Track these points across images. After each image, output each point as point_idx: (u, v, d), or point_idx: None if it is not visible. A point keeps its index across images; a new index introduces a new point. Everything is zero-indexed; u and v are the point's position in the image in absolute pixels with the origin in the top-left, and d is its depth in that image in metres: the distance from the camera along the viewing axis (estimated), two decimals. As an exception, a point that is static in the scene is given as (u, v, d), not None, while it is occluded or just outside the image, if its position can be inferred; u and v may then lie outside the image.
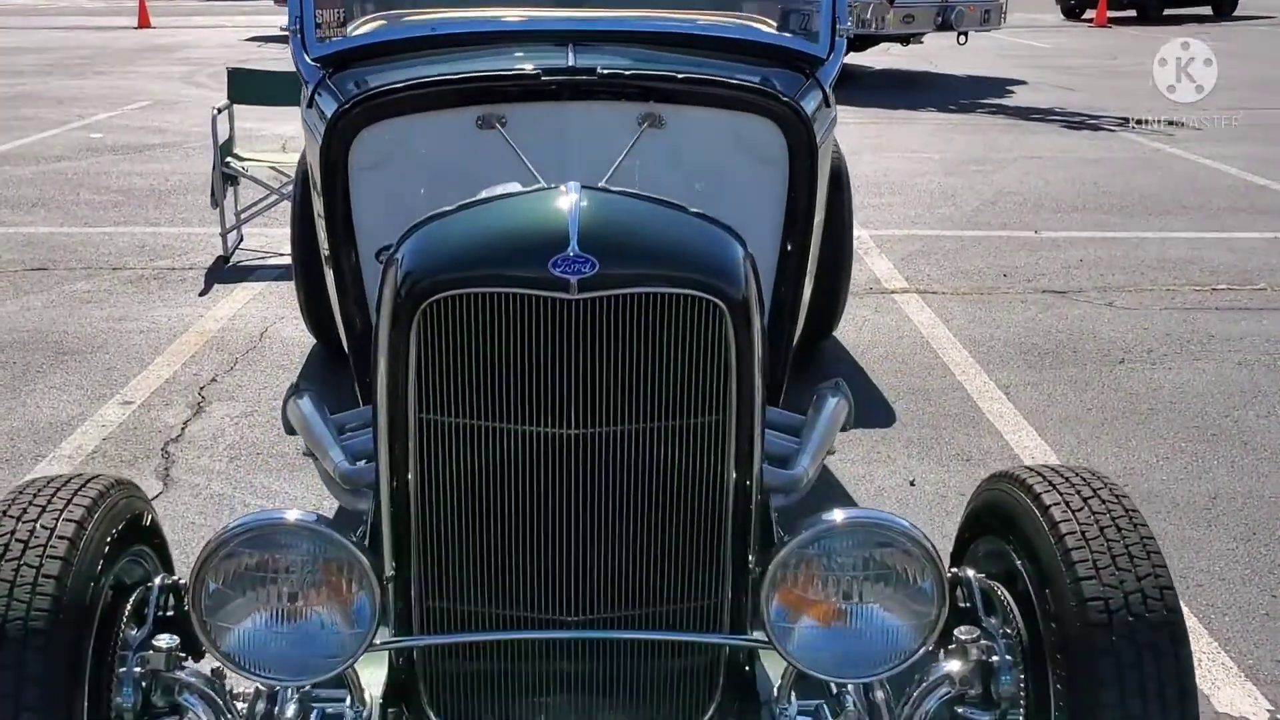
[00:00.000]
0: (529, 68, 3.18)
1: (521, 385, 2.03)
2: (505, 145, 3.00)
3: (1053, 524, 2.18)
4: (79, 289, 6.45)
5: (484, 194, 2.21)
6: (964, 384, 5.23)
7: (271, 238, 7.24)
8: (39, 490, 2.17)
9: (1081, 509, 2.20)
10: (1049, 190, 9.17)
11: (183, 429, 4.65)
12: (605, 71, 3.08)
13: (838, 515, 2.02)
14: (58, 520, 2.08)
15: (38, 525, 2.06)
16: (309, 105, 3.39)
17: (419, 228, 2.13)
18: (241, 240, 7.30)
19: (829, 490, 4.04)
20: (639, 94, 3.11)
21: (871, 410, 4.88)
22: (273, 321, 5.92)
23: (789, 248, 3.14)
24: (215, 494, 4.09)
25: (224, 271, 6.81)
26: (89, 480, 2.25)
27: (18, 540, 2.04)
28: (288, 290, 5.57)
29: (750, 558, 2.23)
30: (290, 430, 3.10)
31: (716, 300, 2.02)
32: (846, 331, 5.76)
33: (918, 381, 5.25)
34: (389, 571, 2.21)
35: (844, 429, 3.18)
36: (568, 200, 2.06)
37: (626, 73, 3.14)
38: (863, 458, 4.44)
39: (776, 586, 2.02)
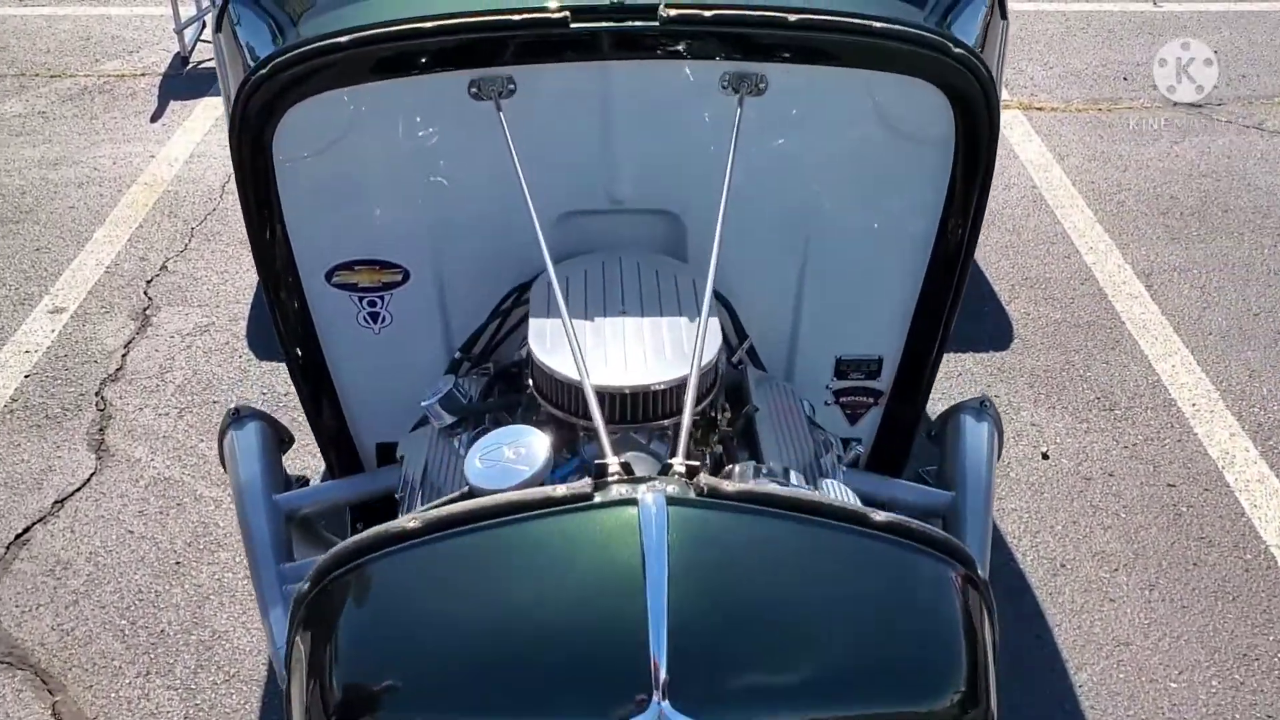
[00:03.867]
0: (549, 2, 1.91)
1: None
2: (519, 126, 1.92)
3: None
4: (10, 112, 5.34)
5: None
6: (1093, 268, 4.19)
7: (240, 25, 5.99)
8: None
9: None
10: (1166, -64, 7.68)
11: (124, 356, 3.72)
12: (672, 11, 1.90)
13: None
14: None
15: None
16: (218, 27, 2.21)
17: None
18: (204, 30, 6.07)
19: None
20: (725, 43, 1.94)
21: (983, 318, 3.90)
22: (238, 169, 4.85)
23: (939, 272, 2.08)
24: (159, 478, 3.21)
25: (181, 81, 5.66)
26: None
27: None
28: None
29: None
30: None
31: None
32: (941, 178, 4.67)
33: (1036, 265, 4.21)
34: None
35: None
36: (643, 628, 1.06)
37: (707, 11, 1.89)
38: (977, 406, 3.50)
39: None
